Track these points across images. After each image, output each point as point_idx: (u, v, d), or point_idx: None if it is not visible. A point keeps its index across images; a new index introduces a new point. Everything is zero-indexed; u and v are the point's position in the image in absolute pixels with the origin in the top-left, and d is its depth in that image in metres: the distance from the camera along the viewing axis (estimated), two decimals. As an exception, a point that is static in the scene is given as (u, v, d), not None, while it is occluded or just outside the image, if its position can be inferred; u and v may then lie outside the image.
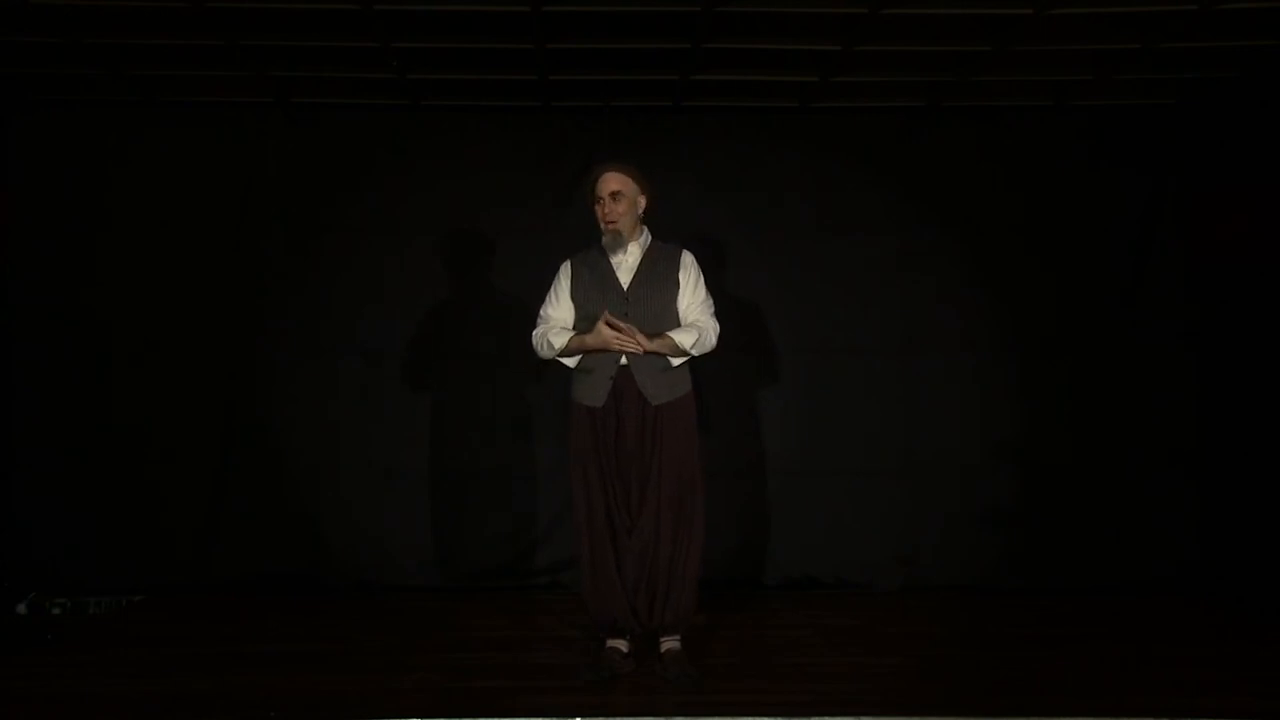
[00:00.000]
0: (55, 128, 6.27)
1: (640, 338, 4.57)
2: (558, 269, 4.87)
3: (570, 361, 4.77)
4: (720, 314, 4.83)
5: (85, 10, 5.15)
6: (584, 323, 4.73)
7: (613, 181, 4.72)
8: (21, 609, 5.90)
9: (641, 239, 4.80)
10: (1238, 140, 6.28)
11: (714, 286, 4.92)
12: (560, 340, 4.72)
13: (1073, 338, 6.36)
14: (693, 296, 4.76)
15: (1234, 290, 6.29)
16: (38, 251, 6.25)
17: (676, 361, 4.70)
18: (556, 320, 4.79)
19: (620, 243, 4.73)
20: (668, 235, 4.92)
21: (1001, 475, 6.31)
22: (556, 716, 4.17)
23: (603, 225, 4.74)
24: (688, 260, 4.80)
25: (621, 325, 4.58)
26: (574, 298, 4.78)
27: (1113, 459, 6.32)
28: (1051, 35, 5.39)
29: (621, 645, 4.75)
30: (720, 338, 4.78)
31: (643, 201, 4.78)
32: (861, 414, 6.35)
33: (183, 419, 6.25)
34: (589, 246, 4.87)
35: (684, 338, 4.66)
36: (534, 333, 4.84)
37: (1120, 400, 6.34)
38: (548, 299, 4.84)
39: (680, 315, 4.75)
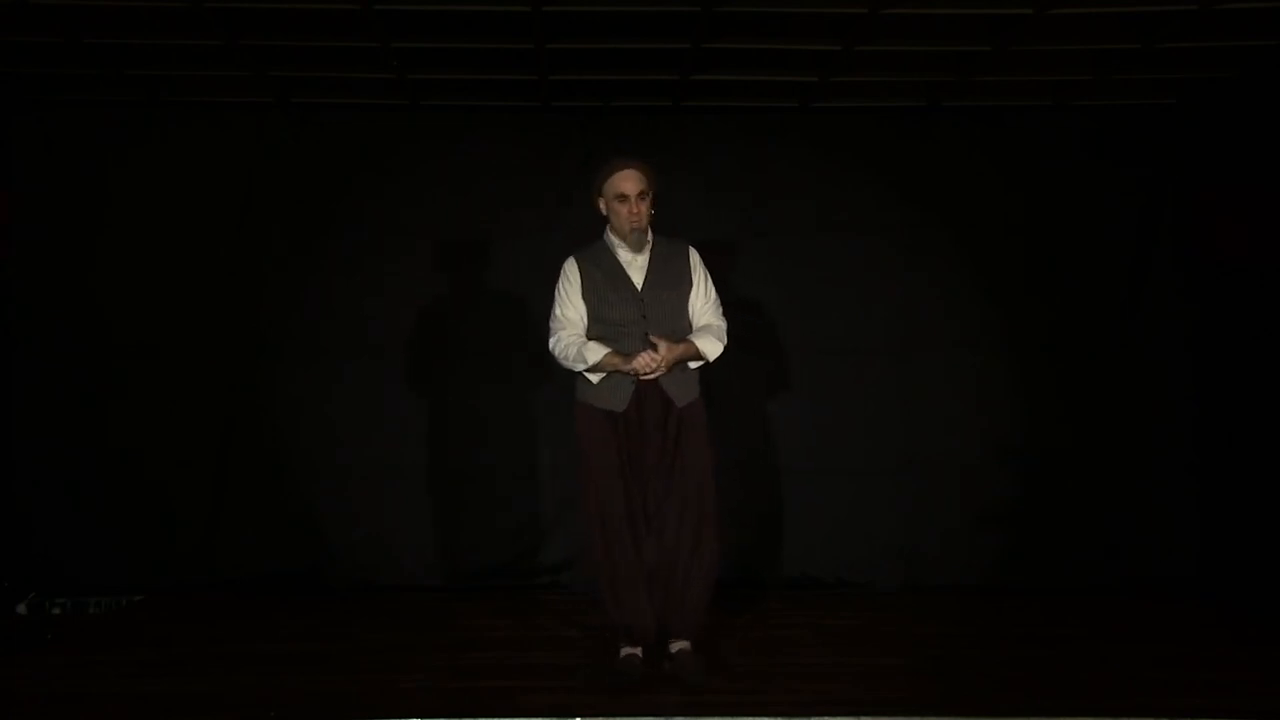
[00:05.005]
0: (55, 128, 6.27)
1: (664, 350, 4.45)
2: (562, 269, 4.69)
3: (594, 377, 4.59)
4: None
5: (85, 10, 5.15)
6: (598, 325, 4.59)
7: (639, 181, 4.58)
8: (21, 609, 5.90)
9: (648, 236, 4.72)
10: (1238, 140, 6.29)
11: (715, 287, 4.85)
12: (595, 356, 4.52)
13: (1073, 337, 6.36)
14: (705, 297, 4.68)
15: (1234, 290, 6.30)
16: (38, 251, 6.25)
17: (694, 364, 4.65)
18: (574, 324, 4.60)
19: (643, 242, 4.64)
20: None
21: (1001, 475, 6.31)
22: (556, 716, 4.16)
23: (626, 226, 4.57)
24: (696, 258, 4.71)
25: (662, 350, 4.45)
26: (586, 299, 4.62)
27: (1113, 459, 6.32)
28: (1051, 35, 5.39)
29: (638, 651, 4.67)
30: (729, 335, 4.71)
31: (652, 197, 4.69)
32: (861, 414, 6.35)
33: (183, 418, 6.25)
34: (590, 244, 4.73)
35: (710, 349, 4.59)
36: (556, 341, 4.61)
37: (1120, 400, 6.34)
38: (559, 300, 4.64)
39: (691, 316, 4.68)
